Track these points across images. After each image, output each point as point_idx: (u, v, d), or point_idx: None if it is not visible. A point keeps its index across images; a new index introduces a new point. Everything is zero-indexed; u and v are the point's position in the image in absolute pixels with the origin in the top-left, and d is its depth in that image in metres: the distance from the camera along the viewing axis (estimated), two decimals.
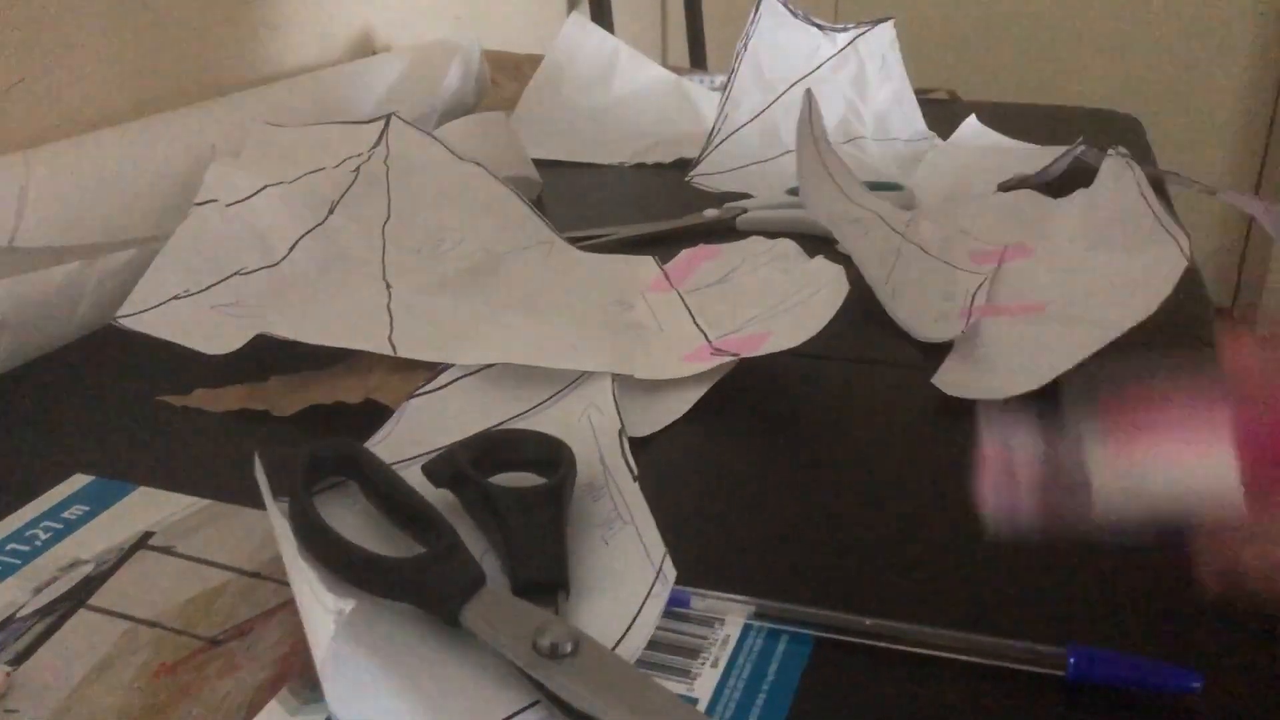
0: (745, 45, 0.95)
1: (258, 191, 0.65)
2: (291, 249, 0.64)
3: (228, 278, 0.62)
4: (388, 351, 0.54)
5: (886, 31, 0.98)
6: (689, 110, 1.08)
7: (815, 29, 0.97)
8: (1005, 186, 0.81)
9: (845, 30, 0.98)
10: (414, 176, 0.71)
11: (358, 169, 0.69)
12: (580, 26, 1.07)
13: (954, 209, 0.75)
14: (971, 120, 0.97)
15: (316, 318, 0.58)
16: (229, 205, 0.64)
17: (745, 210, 0.78)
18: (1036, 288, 0.62)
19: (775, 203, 0.79)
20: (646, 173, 0.96)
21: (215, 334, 0.58)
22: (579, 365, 0.52)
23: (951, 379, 0.54)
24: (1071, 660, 0.34)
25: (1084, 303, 0.59)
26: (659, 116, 1.07)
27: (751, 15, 0.96)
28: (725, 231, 0.76)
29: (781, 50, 0.96)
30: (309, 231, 0.66)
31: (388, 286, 0.62)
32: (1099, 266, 0.62)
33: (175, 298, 0.60)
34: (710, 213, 0.78)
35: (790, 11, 0.97)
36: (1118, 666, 0.34)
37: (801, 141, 0.69)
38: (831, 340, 0.58)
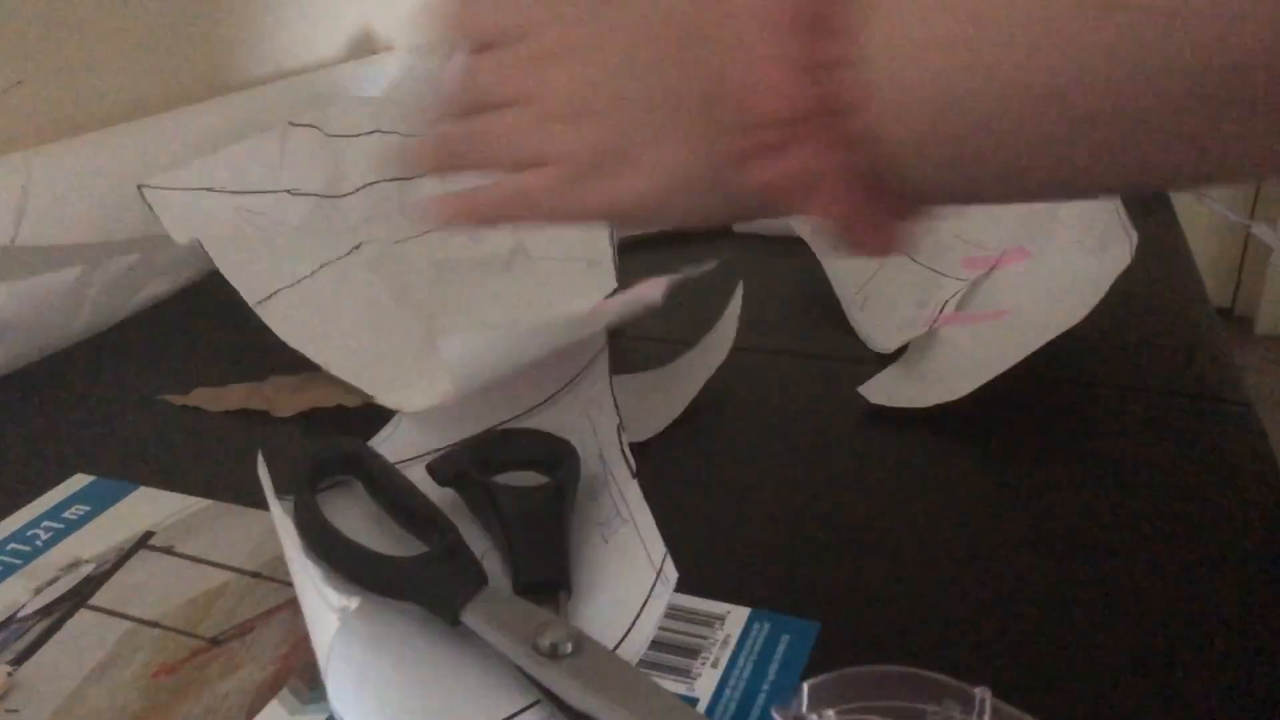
0: None
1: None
2: (357, 190, 0.69)
3: (275, 191, 0.66)
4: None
5: None
6: None
7: None
8: None
9: None
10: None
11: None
12: None
13: (955, 212, 0.75)
14: None
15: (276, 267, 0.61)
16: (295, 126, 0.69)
17: None
18: (1012, 293, 0.60)
19: None
20: None
21: (203, 226, 0.60)
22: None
23: (878, 386, 0.52)
24: None
25: (1043, 306, 0.56)
26: None
27: None
28: (723, 233, 0.76)
29: None
30: (366, 185, 0.70)
31: (356, 246, 0.65)
32: (1061, 267, 0.60)
33: (208, 189, 0.63)
34: None
35: None
36: None
37: None
38: (831, 340, 0.58)
